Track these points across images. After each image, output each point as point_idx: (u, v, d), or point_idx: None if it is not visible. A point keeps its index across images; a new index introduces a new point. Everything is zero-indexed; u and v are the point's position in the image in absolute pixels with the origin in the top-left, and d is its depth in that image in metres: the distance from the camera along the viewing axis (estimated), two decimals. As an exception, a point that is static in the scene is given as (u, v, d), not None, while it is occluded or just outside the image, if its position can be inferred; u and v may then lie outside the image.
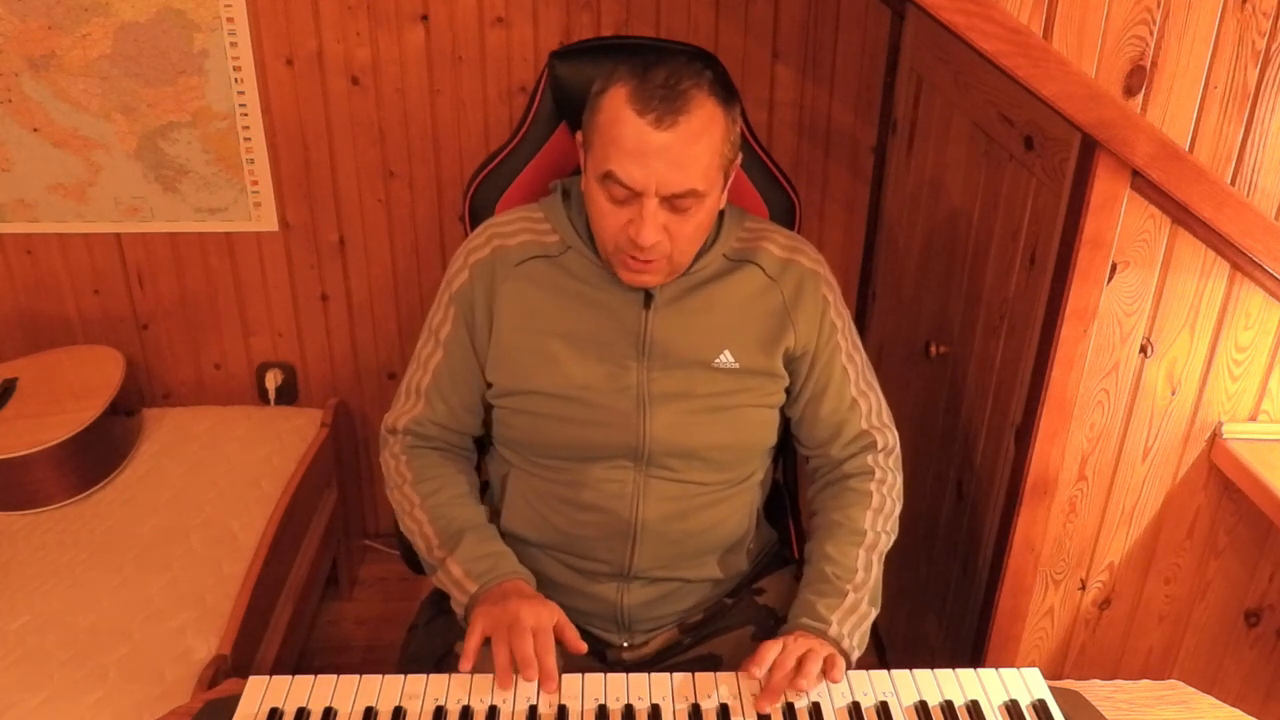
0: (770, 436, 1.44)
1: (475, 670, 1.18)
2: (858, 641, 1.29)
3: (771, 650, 1.21)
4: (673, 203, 1.24)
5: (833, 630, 1.27)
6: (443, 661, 1.37)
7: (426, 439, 1.44)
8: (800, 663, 1.19)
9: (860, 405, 1.43)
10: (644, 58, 1.25)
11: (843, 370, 1.42)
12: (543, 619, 1.22)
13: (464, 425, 1.45)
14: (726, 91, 1.27)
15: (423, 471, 1.41)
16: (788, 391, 1.42)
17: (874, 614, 1.34)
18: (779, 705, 1.16)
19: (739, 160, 1.33)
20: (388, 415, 1.47)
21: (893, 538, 1.41)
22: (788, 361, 1.40)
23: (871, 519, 1.38)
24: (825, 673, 1.19)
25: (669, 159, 1.21)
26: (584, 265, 1.37)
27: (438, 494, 1.39)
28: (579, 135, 1.32)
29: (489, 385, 1.41)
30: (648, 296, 1.35)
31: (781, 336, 1.38)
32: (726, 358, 1.36)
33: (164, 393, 2.47)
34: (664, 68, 1.23)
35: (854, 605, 1.31)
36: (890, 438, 1.45)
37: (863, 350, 1.46)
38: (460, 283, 1.40)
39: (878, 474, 1.42)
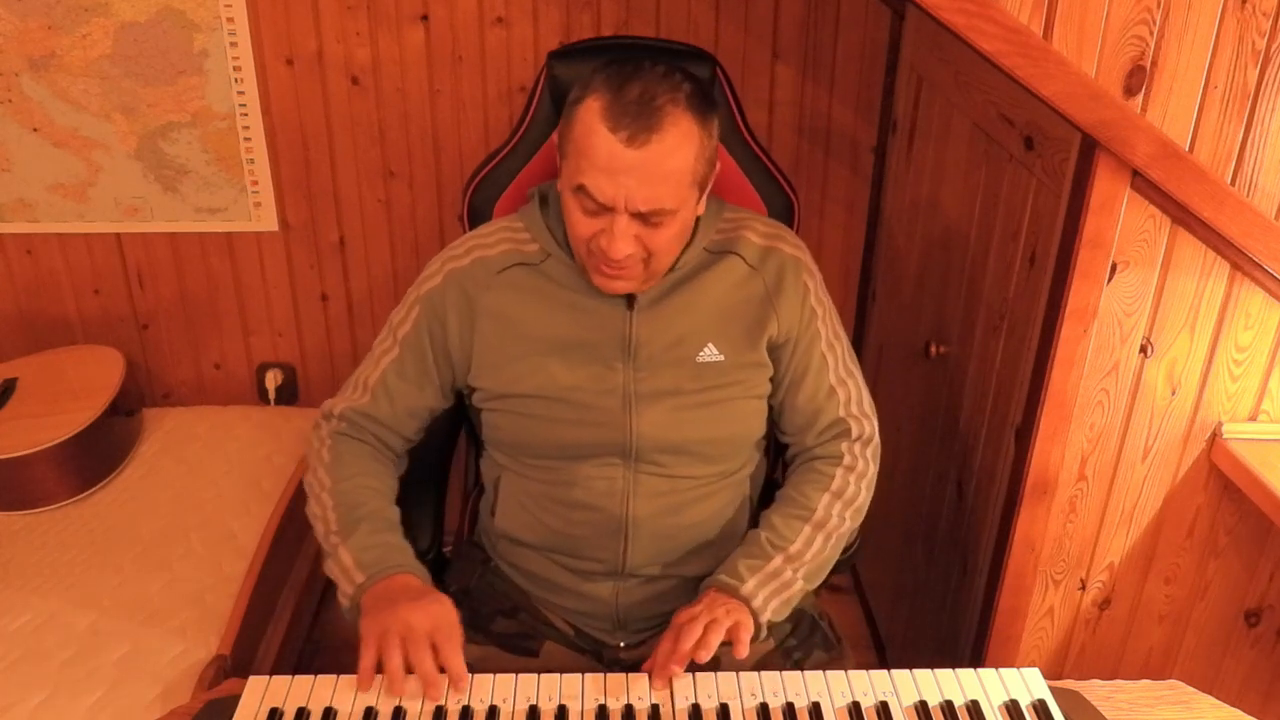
0: (759, 427, 1.44)
1: (477, 670, 1.18)
2: (773, 608, 1.29)
3: (683, 616, 1.23)
4: (644, 217, 1.24)
5: (745, 589, 1.28)
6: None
7: (359, 430, 1.43)
8: (705, 630, 1.20)
9: (838, 393, 1.43)
10: (621, 67, 1.24)
11: (821, 358, 1.42)
12: (437, 618, 1.19)
13: (403, 428, 1.44)
14: (704, 105, 1.25)
15: (341, 457, 1.40)
16: (772, 380, 1.42)
17: (804, 588, 1.33)
18: (683, 675, 1.18)
19: (716, 172, 1.32)
20: (326, 401, 1.46)
21: (849, 524, 1.40)
22: (771, 349, 1.40)
23: (829, 501, 1.38)
24: (732, 642, 1.20)
25: (639, 177, 1.21)
26: (564, 271, 1.37)
27: (349, 480, 1.37)
28: (554, 137, 1.32)
29: (473, 390, 1.41)
30: (630, 298, 1.35)
31: (765, 325, 1.38)
32: (710, 351, 1.36)
33: (164, 393, 2.47)
34: (639, 82, 1.22)
35: (777, 572, 1.31)
36: (868, 426, 1.44)
37: (844, 338, 1.45)
38: (431, 286, 1.40)
39: (846, 460, 1.41)
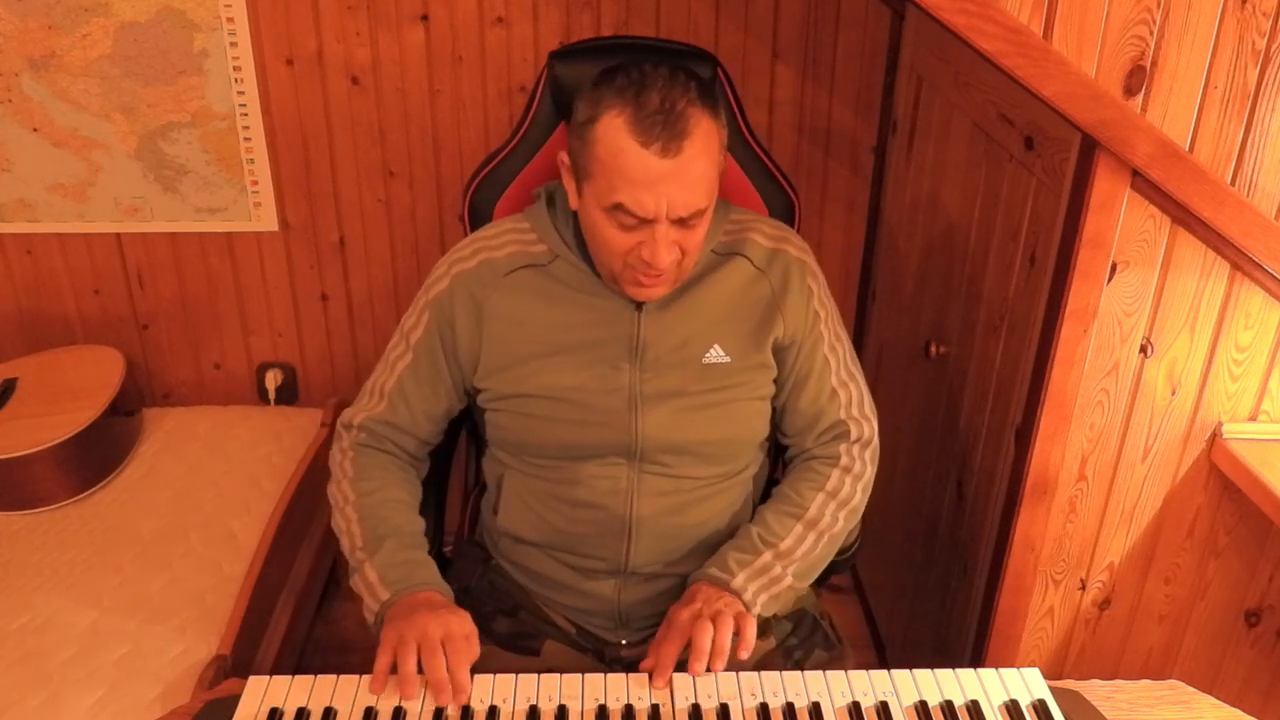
0: (762, 429, 1.44)
1: (477, 670, 1.19)
2: (762, 602, 1.29)
3: (682, 614, 1.24)
4: (683, 221, 1.24)
5: (735, 582, 1.28)
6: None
7: (379, 439, 1.43)
8: (715, 629, 1.21)
9: (840, 396, 1.43)
10: (626, 76, 1.23)
11: (824, 361, 1.42)
12: (452, 628, 1.20)
13: (422, 432, 1.45)
14: (710, 96, 1.26)
15: (365, 470, 1.40)
16: (775, 382, 1.42)
17: (794, 585, 1.34)
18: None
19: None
20: (346, 411, 1.46)
21: (843, 525, 1.40)
22: (776, 351, 1.40)
23: (822, 500, 1.38)
24: (736, 636, 1.21)
25: (678, 184, 1.21)
26: (573, 272, 1.37)
27: (373, 495, 1.38)
28: (563, 157, 1.31)
29: (479, 391, 1.41)
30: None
31: (770, 327, 1.38)
32: (717, 352, 1.36)
33: (164, 393, 2.47)
34: (655, 90, 1.21)
35: (766, 567, 1.31)
36: (867, 429, 1.45)
37: (846, 341, 1.46)
38: (439, 290, 1.40)
39: (844, 461, 1.42)
